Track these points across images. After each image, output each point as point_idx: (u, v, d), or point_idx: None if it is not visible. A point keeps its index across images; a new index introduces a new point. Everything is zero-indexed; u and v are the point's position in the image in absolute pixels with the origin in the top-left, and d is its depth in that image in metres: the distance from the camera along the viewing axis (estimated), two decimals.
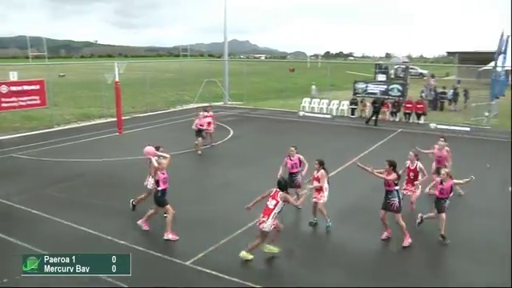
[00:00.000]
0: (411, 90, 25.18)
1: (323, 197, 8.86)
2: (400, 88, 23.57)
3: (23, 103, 18.89)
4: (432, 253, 8.20)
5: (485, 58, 34.16)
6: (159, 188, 8.31)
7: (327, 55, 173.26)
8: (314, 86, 29.56)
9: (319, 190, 8.85)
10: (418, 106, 22.46)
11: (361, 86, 24.80)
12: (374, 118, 21.36)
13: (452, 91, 26.28)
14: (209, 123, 15.76)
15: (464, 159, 12.59)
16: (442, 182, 8.28)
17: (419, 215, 8.82)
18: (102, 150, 15.59)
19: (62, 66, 49.13)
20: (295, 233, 8.84)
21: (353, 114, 24.07)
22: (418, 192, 9.61)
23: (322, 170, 8.83)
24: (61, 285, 6.36)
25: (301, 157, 9.95)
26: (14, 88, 18.47)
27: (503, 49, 21.91)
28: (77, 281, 6.27)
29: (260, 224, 7.40)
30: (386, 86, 23.98)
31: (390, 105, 22.89)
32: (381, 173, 8.18)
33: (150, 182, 9.24)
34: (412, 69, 41.71)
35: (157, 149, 8.98)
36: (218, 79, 29.66)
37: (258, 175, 12.12)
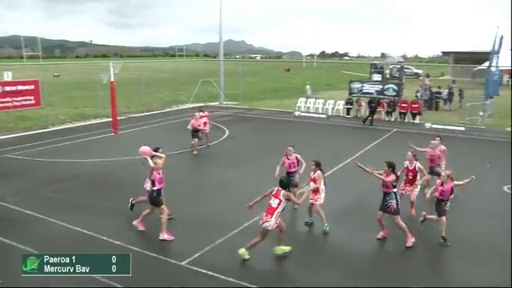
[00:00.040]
0: (406, 90, 25.31)
1: (320, 198, 8.81)
2: (395, 88, 23.66)
3: (18, 103, 18.80)
4: (432, 253, 8.20)
5: (479, 57, 34.41)
6: (154, 188, 8.30)
7: (323, 55, 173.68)
8: (308, 86, 29.61)
9: (316, 191, 8.80)
10: (413, 105, 22.54)
11: (356, 85, 24.87)
12: (370, 117, 21.44)
13: (447, 91, 26.39)
14: (204, 123, 15.78)
15: (459, 159, 12.63)
16: (442, 184, 8.27)
17: (423, 213, 8.78)
18: (98, 151, 15.53)
19: (56, 66, 48.81)
20: (291, 233, 8.79)
21: (348, 114, 24.13)
22: (417, 191, 9.59)
23: (319, 171, 8.78)
24: (61, 285, 6.34)
25: (298, 156, 9.96)
26: (8, 88, 18.39)
27: (497, 48, 22.02)
28: (77, 281, 6.26)
29: (263, 223, 7.39)
30: (381, 86, 24.07)
31: (385, 104, 22.95)
32: (380, 174, 8.15)
33: (149, 185, 9.16)
34: (407, 69, 41.86)
35: (156, 150, 8.93)
36: (213, 79, 29.62)
37: (254, 175, 12.13)
